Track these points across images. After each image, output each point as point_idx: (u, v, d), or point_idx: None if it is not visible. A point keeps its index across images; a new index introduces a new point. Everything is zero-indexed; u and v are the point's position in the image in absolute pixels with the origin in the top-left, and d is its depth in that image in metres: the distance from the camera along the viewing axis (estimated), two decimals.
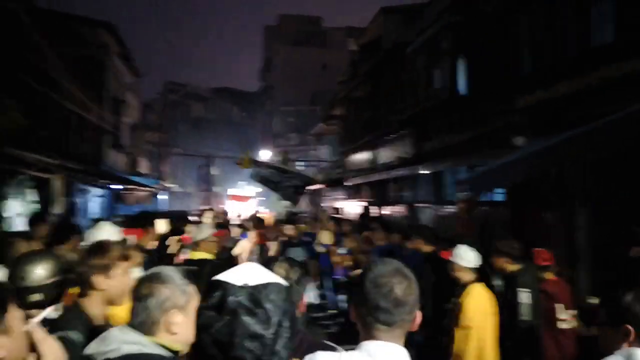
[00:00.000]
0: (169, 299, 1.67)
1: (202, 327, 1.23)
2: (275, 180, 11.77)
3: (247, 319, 1.13)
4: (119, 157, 25.55)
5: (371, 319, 1.57)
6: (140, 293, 1.68)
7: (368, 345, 1.53)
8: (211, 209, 9.37)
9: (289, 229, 8.47)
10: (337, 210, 20.09)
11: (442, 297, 5.41)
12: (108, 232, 3.82)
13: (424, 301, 5.51)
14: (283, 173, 11.78)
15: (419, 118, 13.22)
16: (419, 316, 1.64)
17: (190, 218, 10.16)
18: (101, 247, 2.50)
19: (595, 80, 6.16)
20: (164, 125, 31.99)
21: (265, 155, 43.44)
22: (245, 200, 26.27)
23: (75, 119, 17.29)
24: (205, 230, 5.29)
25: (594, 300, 4.18)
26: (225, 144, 50.02)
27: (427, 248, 5.95)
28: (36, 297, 2.07)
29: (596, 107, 5.67)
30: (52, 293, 2.20)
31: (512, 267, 4.62)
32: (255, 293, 1.17)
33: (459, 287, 4.48)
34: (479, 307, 4.28)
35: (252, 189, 35.21)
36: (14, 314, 1.31)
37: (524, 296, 4.42)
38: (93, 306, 2.35)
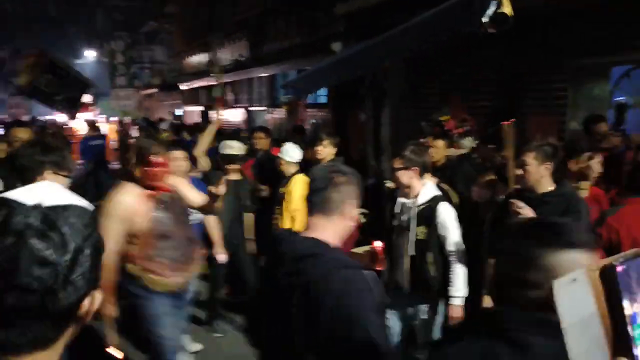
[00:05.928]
0: None
1: None
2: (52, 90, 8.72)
3: (35, 242, 1.01)
4: None
5: None
6: None
7: None
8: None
9: None
10: (173, 116, 20.25)
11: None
12: None
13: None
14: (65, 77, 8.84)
15: (255, 20, 13.73)
16: None
17: None
18: None
19: None
20: None
21: (90, 55, 40.59)
22: (87, 110, 23.78)
23: None
24: None
25: (390, 185, 5.42)
26: (41, 43, 45.51)
27: (266, 144, 6.91)
28: None
29: (404, 14, 6.73)
30: None
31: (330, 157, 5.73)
32: (51, 214, 1.05)
33: (285, 179, 5.52)
34: (303, 193, 5.39)
35: (86, 96, 32.18)
36: None
37: None
38: None
